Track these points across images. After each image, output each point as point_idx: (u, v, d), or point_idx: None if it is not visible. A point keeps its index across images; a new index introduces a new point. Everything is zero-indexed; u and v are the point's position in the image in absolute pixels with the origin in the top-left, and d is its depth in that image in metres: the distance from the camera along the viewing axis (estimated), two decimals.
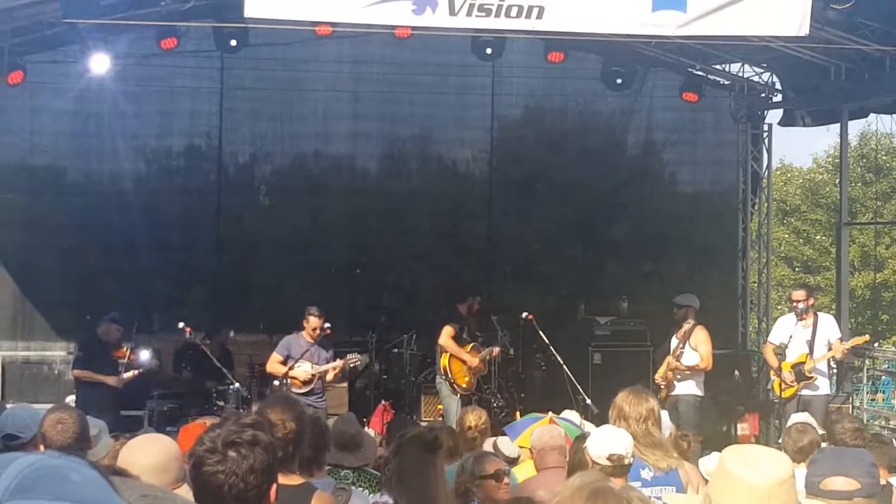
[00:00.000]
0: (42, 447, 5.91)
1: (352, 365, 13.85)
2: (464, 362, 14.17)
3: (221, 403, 14.01)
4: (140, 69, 16.24)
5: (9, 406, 7.71)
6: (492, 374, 14.99)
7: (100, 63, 15.03)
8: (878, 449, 7.93)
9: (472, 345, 14.35)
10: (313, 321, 13.11)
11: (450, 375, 14.19)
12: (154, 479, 4.36)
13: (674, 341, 14.01)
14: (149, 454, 4.54)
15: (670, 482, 6.62)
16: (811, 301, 13.69)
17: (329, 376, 13.35)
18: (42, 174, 16.55)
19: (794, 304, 13.60)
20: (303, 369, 13.13)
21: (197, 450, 3.63)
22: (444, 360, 14.33)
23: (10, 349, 16.11)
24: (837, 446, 7.58)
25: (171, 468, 4.57)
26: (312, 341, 13.18)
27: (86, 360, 13.67)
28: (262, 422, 3.85)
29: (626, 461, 6.21)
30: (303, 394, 12.85)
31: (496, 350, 14.43)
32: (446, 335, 14.27)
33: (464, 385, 14.18)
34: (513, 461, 8.33)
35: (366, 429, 12.40)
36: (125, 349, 13.78)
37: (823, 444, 8.30)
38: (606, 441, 6.26)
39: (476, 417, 9.25)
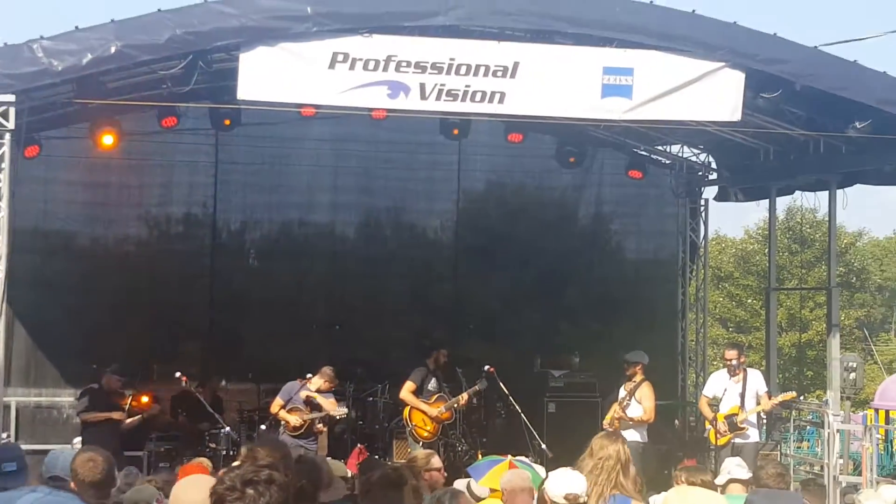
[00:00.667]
0: (72, 484, 5.91)
1: (338, 416, 13.94)
2: (424, 413, 14.21)
3: (213, 445, 14.16)
4: (143, 145, 16.32)
5: (57, 448, 7.54)
6: (457, 421, 15.03)
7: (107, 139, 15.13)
8: (815, 491, 8.07)
9: (437, 395, 14.38)
10: (336, 380, 13.67)
11: (410, 425, 14.25)
12: None
13: (622, 392, 14.09)
14: (202, 490, 4.57)
15: None
16: (742, 359, 13.80)
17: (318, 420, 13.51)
18: (54, 238, 16.53)
19: (727, 362, 13.73)
20: (297, 416, 13.36)
21: (218, 488, 3.71)
22: (405, 412, 14.41)
23: (24, 395, 16.02)
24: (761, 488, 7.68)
25: None
26: (317, 392, 13.41)
27: (91, 406, 13.77)
28: (277, 463, 3.90)
29: (581, 500, 6.23)
30: (296, 436, 13.15)
31: (463, 399, 14.45)
32: (406, 390, 14.35)
33: (424, 434, 14.18)
34: (480, 500, 8.46)
35: None
36: (128, 398, 13.93)
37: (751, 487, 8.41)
38: (563, 482, 6.29)
39: (421, 453, 9.39)
